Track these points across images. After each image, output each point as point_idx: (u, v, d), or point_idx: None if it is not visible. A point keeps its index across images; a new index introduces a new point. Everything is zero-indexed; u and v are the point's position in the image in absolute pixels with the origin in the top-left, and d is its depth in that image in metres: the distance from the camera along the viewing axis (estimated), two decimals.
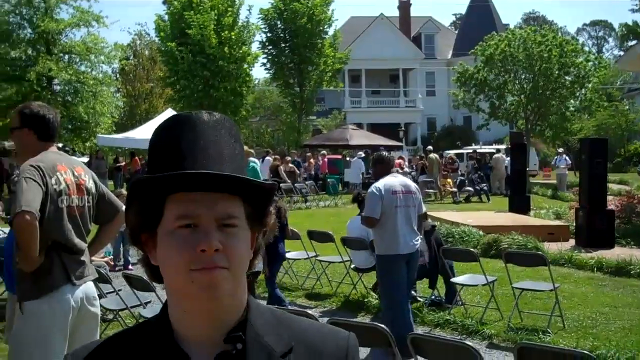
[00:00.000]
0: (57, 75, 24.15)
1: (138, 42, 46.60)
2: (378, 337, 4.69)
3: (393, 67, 52.79)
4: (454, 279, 8.35)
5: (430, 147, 29.99)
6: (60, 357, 3.29)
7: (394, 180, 6.75)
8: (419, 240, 6.86)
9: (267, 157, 25.21)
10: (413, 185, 6.94)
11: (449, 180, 25.84)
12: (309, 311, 5.55)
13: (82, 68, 26.47)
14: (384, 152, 7.57)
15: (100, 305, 6.67)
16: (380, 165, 7.01)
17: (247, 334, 1.20)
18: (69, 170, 3.81)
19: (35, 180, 3.56)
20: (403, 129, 45.28)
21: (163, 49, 35.54)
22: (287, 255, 10.12)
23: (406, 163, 29.22)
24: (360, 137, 32.81)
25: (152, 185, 1.17)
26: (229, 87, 34.01)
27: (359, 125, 41.96)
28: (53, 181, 3.66)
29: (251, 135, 47.25)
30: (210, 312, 1.18)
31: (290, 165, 26.00)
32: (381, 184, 6.69)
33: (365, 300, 8.68)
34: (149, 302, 6.98)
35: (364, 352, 6.46)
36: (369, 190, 6.84)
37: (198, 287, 1.14)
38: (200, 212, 1.16)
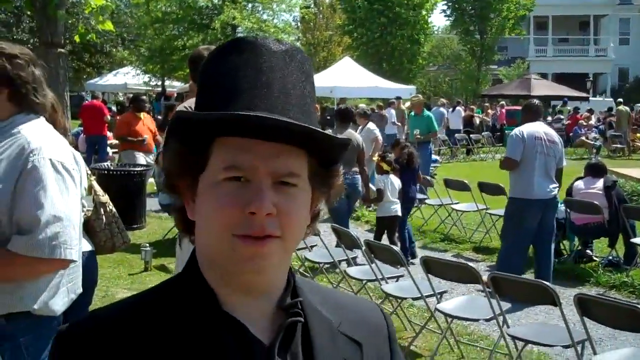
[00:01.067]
0: (240, 23, 24.92)
1: None
2: (544, 295, 4.48)
3: (583, 14, 49.31)
4: (634, 240, 7.83)
5: (620, 99, 28.02)
6: None
7: (539, 128, 6.92)
8: (557, 189, 6.91)
9: (458, 107, 24.78)
10: (557, 137, 7.04)
11: (638, 135, 24.03)
12: (473, 264, 5.39)
13: (264, 17, 27.20)
14: (535, 101, 7.70)
15: (305, 258, 6.78)
16: (529, 112, 7.19)
17: (303, 304, 1.03)
18: None
19: None
20: (591, 79, 42.55)
21: None
22: (456, 207, 10.05)
23: (593, 117, 27.44)
24: (543, 88, 31.05)
25: (197, 123, 0.96)
26: (406, 34, 33.71)
27: (543, 75, 39.82)
28: None
29: (428, 84, 46.59)
30: (251, 284, 0.99)
31: (476, 115, 25.61)
32: (525, 128, 6.88)
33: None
34: (355, 257, 6.85)
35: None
36: (511, 133, 7.08)
37: (240, 257, 0.94)
38: (254, 165, 0.94)
